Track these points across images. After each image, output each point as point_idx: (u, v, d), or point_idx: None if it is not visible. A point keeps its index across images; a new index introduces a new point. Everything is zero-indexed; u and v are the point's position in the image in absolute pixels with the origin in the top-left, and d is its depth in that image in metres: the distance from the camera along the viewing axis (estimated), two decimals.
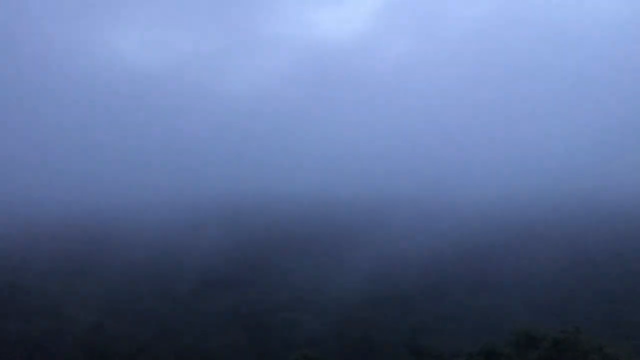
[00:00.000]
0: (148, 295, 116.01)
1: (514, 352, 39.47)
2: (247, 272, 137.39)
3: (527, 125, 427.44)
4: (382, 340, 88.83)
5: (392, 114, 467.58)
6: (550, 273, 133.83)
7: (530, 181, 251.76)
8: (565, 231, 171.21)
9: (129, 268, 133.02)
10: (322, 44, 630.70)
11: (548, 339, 39.33)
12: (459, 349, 60.02)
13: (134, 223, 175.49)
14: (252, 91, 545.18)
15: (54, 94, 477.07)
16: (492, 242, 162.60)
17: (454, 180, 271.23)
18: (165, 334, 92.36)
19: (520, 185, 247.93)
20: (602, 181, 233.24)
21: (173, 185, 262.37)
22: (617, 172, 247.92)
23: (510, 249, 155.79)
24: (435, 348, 72.45)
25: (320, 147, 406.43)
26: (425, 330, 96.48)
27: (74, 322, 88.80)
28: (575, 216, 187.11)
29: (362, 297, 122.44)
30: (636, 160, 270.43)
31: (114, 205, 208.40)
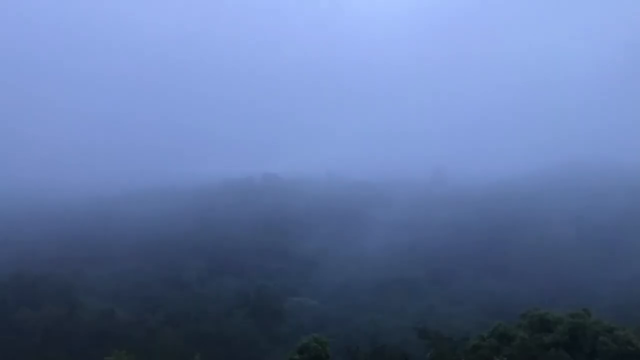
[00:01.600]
0: (157, 281, 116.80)
1: (528, 336, 39.46)
2: (254, 257, 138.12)
3: (527, 109, 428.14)
4: (391, 324, 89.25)
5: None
6: (556, 256, 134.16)
7: (534, 164, 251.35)
8: (571, 214, 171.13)
9: (138, 255, 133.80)
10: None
11: (564, 323, 39.31)
12: (467, 332, 60.21)
13: (143, 211, 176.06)
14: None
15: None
16: (498, 226, 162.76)
17: (457, 164, 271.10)
18: (174, 319, 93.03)
19: (524, 168, 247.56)
20: (606, 163, 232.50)
21: (179, 172, 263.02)
22: (619, 152, 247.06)
23: (516, 232, 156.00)
24: (443, 331, 72.70)
25: (328, 131, 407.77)
26: (433, 313, 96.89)
27: (85, 309, 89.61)
28: (581, 199, 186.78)
29: (370, 281, 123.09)
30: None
31: (122, 193, 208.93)
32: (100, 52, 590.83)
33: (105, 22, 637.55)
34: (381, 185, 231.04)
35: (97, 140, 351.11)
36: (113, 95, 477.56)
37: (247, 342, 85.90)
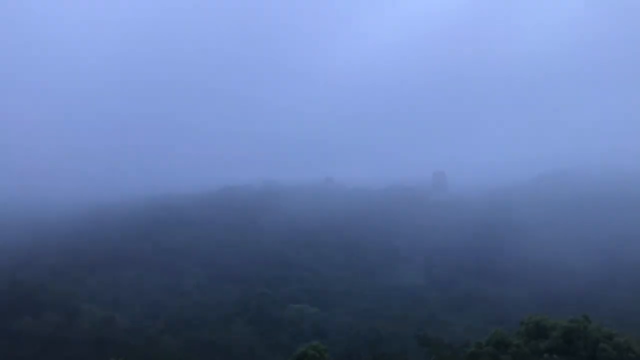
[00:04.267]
0: (157, 288, 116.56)
1: (524, 342, 39.40)
2: (254, 264, 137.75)
3: (527, 116, 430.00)
4: (391, 331, 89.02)
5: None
6: (557, 263, 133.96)
7: (535, 171, 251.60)
8: (572, 220, 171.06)
9: (136, 263, 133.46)
10: None
11: (558, 329, 39.30)
12: (467, 339, 60.06)
13: (143, 218, 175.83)
14: None
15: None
16: (498, 232, 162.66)
17: (457, 170, 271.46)
18: (174, 326, 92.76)
19: (525, 174, 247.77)
20: (606, 170, 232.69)
21: (178, 179, 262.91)
22: (619, 159, 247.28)
23: (517, 238, 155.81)
24: (444, 338, 72.60)
25: (327, 138, 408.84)
26: (434, 320, 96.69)
27: (85, 316, 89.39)
28: (581, 206, 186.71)
29: (370, 288, 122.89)
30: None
31: (122, 200, 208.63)
32: (102, 53, 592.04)
33: (113, 25, 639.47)
34: (380, 192, 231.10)
35: (97, 147, 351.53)
36: (115, 99, 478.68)
37: (246, 350, 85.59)
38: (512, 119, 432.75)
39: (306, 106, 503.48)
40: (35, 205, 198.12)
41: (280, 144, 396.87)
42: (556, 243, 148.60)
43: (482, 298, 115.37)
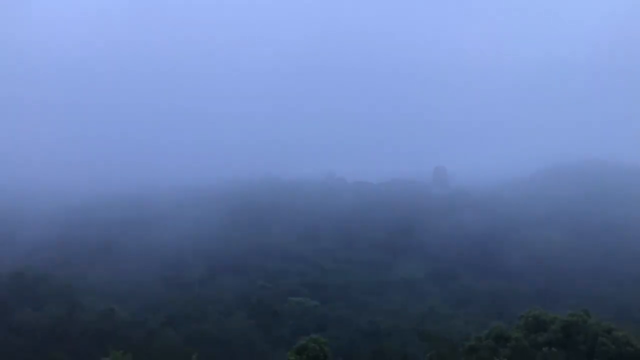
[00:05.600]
0: (158, 281, 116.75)
1: (524, 336, 39.54)
2: (255, 258, 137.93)
3: (528, 111, 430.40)
4: (391, 325, 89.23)
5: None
6: (557, 257, 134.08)
7: (535, 165, 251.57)
8: (571, 215, 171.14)
9: (138, 255, 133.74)
10: None
11: (557, 323, 39.46)
12: (468, 333, 60.21)
13: (144, 212, 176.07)
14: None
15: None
16: (499, 226, 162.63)
17: (458, 165, 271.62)
18: (174, 319, 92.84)
19: (525, 169, 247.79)
20: (607, 164, 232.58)
21: (180, 173, 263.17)
22: (620, 153, 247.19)
23: (517, 233, 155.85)
24: (444, 332, 72.76)
25: (328, 132, 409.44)
26: (434, 314, 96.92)
27: (85, 309, 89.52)
28: (581, 200, 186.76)
29: (370, 281, 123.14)
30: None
31: (124, 194, 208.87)
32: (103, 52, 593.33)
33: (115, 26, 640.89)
34: (381, 186, 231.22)
35: (100, 142, 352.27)
36: (117, 96, 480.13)
37: (247, 343, 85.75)
38: (513, 115, 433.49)
39: (306, 104, 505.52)
40: (37, 197, 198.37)
41: (280, 141, 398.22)
42: (556, 237, 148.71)
43: (482, 292, 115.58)
